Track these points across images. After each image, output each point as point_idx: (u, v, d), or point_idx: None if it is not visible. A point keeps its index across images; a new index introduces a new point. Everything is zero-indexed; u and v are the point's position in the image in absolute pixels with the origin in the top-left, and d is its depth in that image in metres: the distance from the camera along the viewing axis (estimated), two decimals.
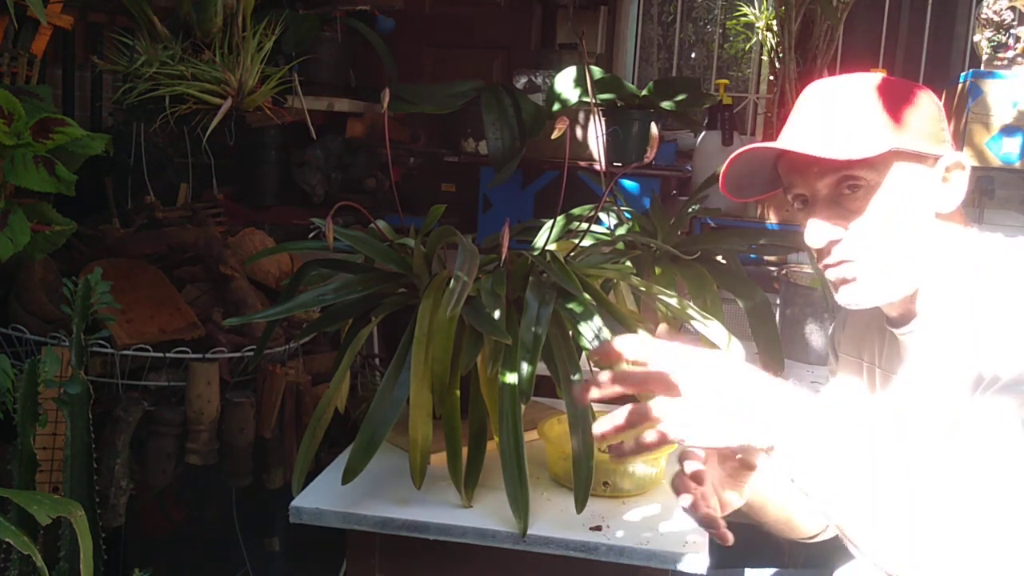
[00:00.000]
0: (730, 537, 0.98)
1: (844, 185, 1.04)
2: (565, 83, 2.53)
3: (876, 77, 1.08)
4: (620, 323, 1.28)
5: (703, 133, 2.80)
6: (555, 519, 1.24)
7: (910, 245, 1.05)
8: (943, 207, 1.05)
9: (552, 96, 2.54)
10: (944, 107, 1.14)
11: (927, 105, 1.06)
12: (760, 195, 1.17)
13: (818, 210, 1.07)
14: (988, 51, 2.53)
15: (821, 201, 1.07)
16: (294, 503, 1.27)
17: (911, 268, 1.06)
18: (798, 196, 1.10)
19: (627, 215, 1.95)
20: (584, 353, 1.28)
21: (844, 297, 1.09)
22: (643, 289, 1.43)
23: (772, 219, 2.61)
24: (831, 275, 1.09)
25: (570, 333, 1.30)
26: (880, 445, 0.83)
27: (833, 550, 1.36)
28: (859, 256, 1.06)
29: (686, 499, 0.99)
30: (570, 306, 1.28)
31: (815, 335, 2.09)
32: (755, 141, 2.90)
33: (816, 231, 1.06)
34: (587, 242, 1.52)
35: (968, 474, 0.90)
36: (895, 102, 1.04)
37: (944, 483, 0.84)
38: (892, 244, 1.05)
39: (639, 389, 0.87)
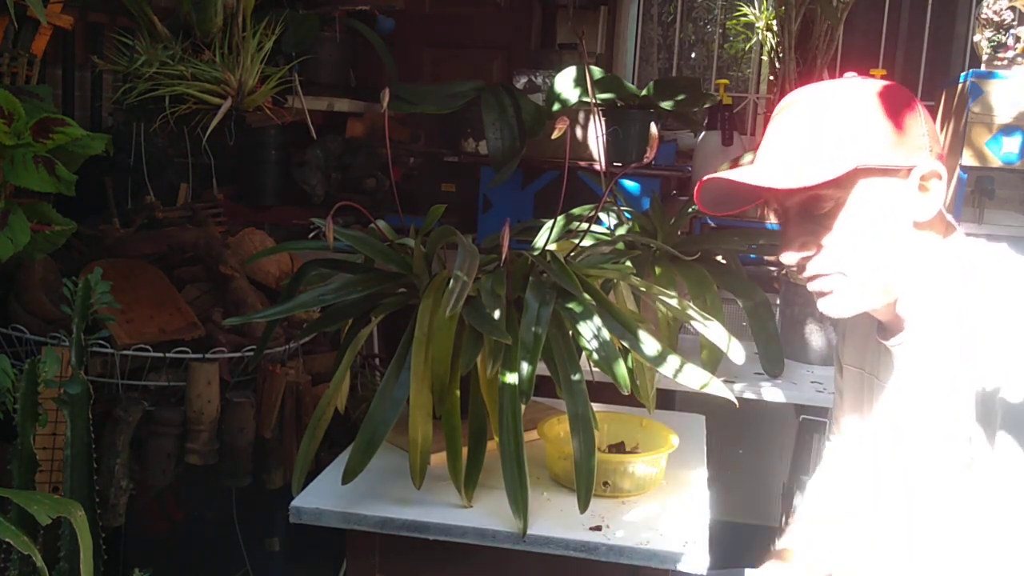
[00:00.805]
0: None
1: (811, 204, 1.05)
2: (565, 83, 2.53)
3: (849, 88, 1.06)
4: (620, 323, 1.28)
5: (703, 133, 2.80)
6: (555, 519, 1.24)
7: (884, 256, 1.05)
8: (920, 216, 1.05)
9: (552, 96, 2.54)
10: (944, 107, 1.13)
11: (901, 113, 1.04)
12: (740, 208, 1.16)
13: (790, 227, 1.08)
14: (988, 51, 2.53)
15: (793, 218, 1.08)
16: (294, 503, 1.27)
17: (887, 278, 1.06)
18: (775, 210, 1.11)
19: (627, 215, 1.95)
20: (584, 353, 1.28)
21: (823, 308, 1.10)
22: (643, 289, 1.43)
23: (772, 219, 2.61)
24: (810, 287, 1.10)
25: (570, 333, 1.30)
26: None
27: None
28: (831, 270, 1.07)
29: None
30: (570, 306, 1.28)
31: (815, 335, 2.09)
32: (755, 141, 2.90)
33: (787, 249, 1.08)
34: (587, 242, 1.52)
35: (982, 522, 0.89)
36: (863, 117, 1.03)
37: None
38: (863, 258, 1.05)
39: None
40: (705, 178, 1.09)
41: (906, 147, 1.03)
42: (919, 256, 1.06)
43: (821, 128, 1.04)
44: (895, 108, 1.04)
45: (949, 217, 1.09)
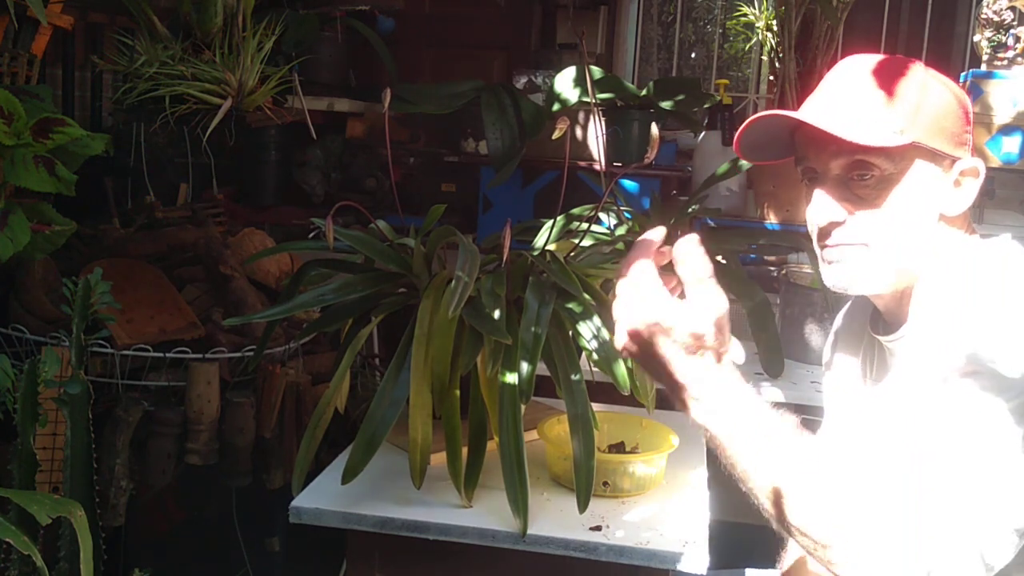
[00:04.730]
0: None
1: (856, 169, 1.03)
2: (565, 83, 2.53)
3: (912, 64, 1.06)
4: None
5: (703, 133, 2.80)
6: (555, 519, 1.24)
7: (911, 242, 1.05)
8: (950, 210, 1.04)
9: (552, 96, 2.54)
10: None
11: (956, 105, 1.05)
12: (774, 160, 1.16)
13: (827, 188, 1.06)
14: (988, 51, 2.53)
15: (830, 180, 1.06)
16: (294, 503, 1.27)
17: (907, 265, 1.06)
18: (808, 170, 1.09)
19: (627, 215, 1.94)
20: (584, 353, 1.28)
21: (834, 279, 1.09)
22: None
23: (772, 219, 2.61)
24: (828, 255, 1.08)
25: (570, 333, 1.30)
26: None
27: None
28: (860, 242, 1.05)
29: None
30: (570, 306, 1.28)
31: (815, 335, 2.09)
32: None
33: (821, 208, 1.06)
34: (587, 242, 1.52)
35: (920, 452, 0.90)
36: (929, 97, 1.03)
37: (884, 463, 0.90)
38: (895, 238, 1.04)
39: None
40: (770, 113, 1.07)
41: (956, 139, 1.04)
42: (939, 251, 1.05)
43: (892, 95, 1.02)
44: (958, 100, 1.05)
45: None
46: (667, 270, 0.96)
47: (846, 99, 1.05)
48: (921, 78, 1.04)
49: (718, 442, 0.93)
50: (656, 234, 0.97)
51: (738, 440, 0.92)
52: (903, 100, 1.02)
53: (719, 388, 0.92)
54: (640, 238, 0.97)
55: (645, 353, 0.93)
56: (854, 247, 1.06)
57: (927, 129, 1.02)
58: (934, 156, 1.03)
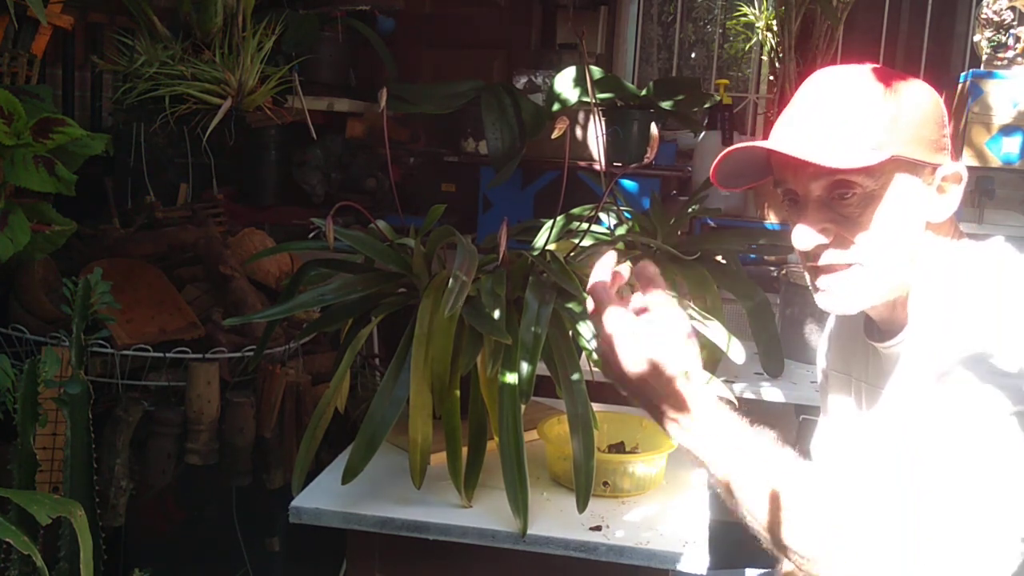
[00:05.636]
0: None
1: (838, 189, 1.02)
2: (565, 83, 2.53)
3: (883, 73, 1.04)
4: None
5: (703, 133, 2.80)
6: (555, 519, 1.25)
7: (901, 255, 1.03)
8: (935, 217, 1.03)
9: (552, 96, 2.54)
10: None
11: (932, 110, 1.03)
12: (750, 184, 1.14)
13: (809, 212, 1.04)
14: (988, 51, 2.53)
15: (812, 202, 1.04)
16: (294, 503, 1.27)
17: (898, 279, 1.05)
18: (788, 192, 1.07)
19: (627, 215, 1.95)
20: (584, 353, 1.28)
21: (826, 302, 1.07)
22: None
23: (772, 219, 2.61)
24: (820, 283, 1.07)
25: (570, 333, 1.30)
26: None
27: None
28: (849, 261, 1.04)
29: None
30: (570, 306, 1.28)
31: (815, 335, 2.09)
32: (754, 140, 2.90)
33: (805, 234, 1.04)
34: (587, 242, 1.52)
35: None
36: (904, 107, 1.01)
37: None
38: (884, 254, 1.03)
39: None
40: (742, 145, 1.05)
41: (935, 145, 1.02)
42: (928, 259, 1.04)
43: (863, 111, 1.01)
44: (934, 105, 1.03)
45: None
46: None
47: (819, 118, 1.03)
48: (894, 87, 1.02)
49: (707, 466, 0.97)
50: (609, 259, 1.00)
51: (723, 462, 0.95)
52: (878, 113, 1.00)
53: (700, 412, 0.96)
54: (596, 265, 1.01)
55: (637, 388, 0.98)
56: (846, 270, 1.04)
57: (905, 140, 1.00)
58: (915, 166, 1.01)
